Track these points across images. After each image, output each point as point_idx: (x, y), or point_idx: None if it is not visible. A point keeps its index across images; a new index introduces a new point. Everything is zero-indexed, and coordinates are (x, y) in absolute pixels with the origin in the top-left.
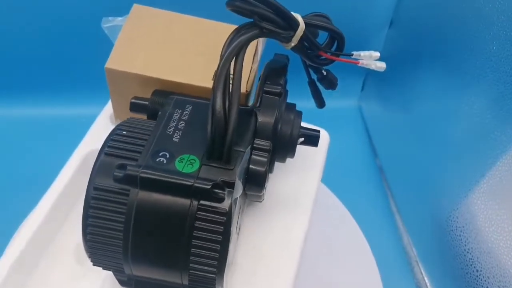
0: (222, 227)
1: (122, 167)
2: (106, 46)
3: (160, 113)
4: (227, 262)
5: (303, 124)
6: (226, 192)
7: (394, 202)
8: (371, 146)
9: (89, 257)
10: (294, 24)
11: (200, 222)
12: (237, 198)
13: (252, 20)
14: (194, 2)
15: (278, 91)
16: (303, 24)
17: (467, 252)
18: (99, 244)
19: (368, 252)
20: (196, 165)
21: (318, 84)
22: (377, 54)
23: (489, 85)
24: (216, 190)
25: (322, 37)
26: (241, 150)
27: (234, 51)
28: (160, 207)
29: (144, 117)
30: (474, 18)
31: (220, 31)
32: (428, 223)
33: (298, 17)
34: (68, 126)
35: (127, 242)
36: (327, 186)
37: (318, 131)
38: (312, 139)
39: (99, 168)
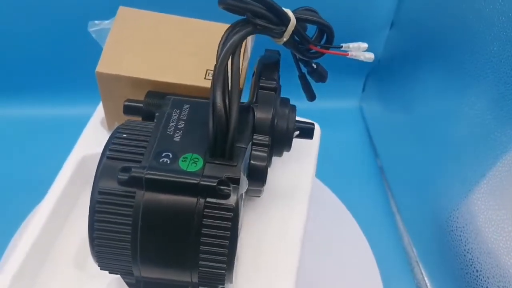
0: (230, 223)
1: (126, 169)
2: None
3: (157, 114)
4: (236, 256)
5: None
6: (231, 188)
7: (394, 202)
8: (372, 147)
9: (97, 261)
10: (286, 20)
11: (208, 220)
12: (242, 193)
13: (244, 17)
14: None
15: (274, 86)
16: (294, 19)
17: (467, 252)
18: (107, 248)
19: (368, 252)
20: (200, 163)
21: (308, 77)
22: (365, 45)
23: (490, 85)
24: (222, 187)
25: (309, 31)
26: (243, 146)
27: (230, 49)
28: (167, 207)
29: (138, 119)
30: (475, 19)
31: (209, 30)
32: (429, 223)
33: (289, 12)
34: (69, 126)
35: (136, 244)
36: (328, 186)
37: (313, 124)
38: (307, 132)
39: (102, 172)
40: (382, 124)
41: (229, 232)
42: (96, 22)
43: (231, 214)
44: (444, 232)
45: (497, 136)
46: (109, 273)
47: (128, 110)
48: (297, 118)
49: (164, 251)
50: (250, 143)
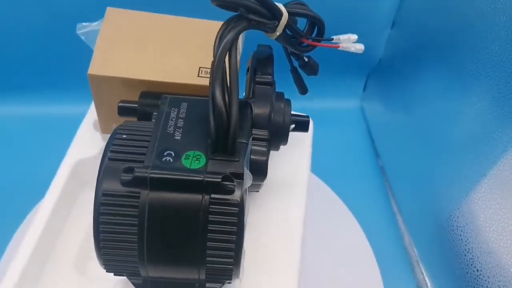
0: (236, 218)
1: (129, 170)
2: None
3: (156, 113)
4: (243, 251)
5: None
6: (235, 184)
7: (395, 202)
8: (373, 146)
9: (103, 264)
10: (278, 14)
11: (214, 216)
12: (247, 188)
13: (237, 13)
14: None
15: (270, 80)
16: (286, 13)
17: (468, 252)
18: (113, 249)
19: (369, 252)
20: (203, 160)
21: (300, 71)
22: (355, 36)
23: (490, 85)
24: (226, 183)
25: (299, 26)
26: (244, 141)
27: (227, 46)
28: (173, 205)
29: (133, 120)
30: (476, 19)
31: (198, 27)
32: (429, 223)
33: (281, 7)
34: (64, 124)
35: (142, 244)
36: (329, 185)
37: (308, 117)
38: (303, 125)
39: (105, 174)
40: (383, 123)
41: (236, 227)
42: (84, 24)
43: (237, 209)
44: (445, 231)
45: (497, 135)
46: (114, 275)
47: (122, 111)
48: (292, 112)
49: (172, 249)
50: (251, 138)
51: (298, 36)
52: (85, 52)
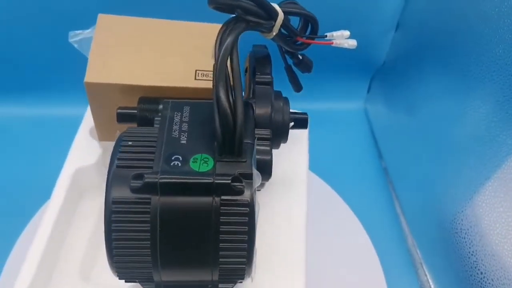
0: (247, 218)
1: (138, 176)
2: None
3: (158, 118)
4: (254, 250)
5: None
6: (244, 184)
7: (398, 204)
8: (376, 148)
9: (116, 271)
10: (274, 14)
11: (225, 217)
12: (256, 188)
13: (234, 15)
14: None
15: (269, 80)
16: (282, 13)
17: (472, 255)
18: (126, 256)
19: (372, 254)
20: (211, 162)
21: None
22: (347, 33)
23: (495, 88)
24: (235, 184)
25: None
26: (249, 142)
27: (228, 49)
28: (184, 209)
29: (132, 126)
30: (480, 22)
31: (192, 30)
32: (433, 225)
33: (276, 7)
34: (76, 126)
35: (155, 249)
36: (332, 187)
37: (306, 114)
38: (301, 122)
39: (113, 181)
40: (387, 125)
41: (247, 227)
42: (77, 32)
43: (247, 209)
44: (449, 234)
45: (502, 138)
46: (126, 281)
47: (121, 117)
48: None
49: (185, 252)
50: (256, 138)
51: (293, 35)
52: (77, 53)
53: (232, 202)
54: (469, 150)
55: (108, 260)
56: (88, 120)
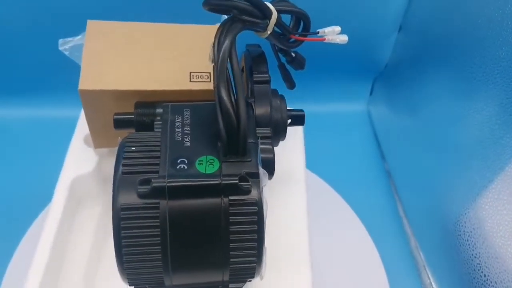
0: (256, 217)
1: (145, 182)
2: None
3: (159, 122)
4: (264, 248)
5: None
6: (251, 183)
7: (401, 206)
8: (379, 150)
9: (126, 278)
10: (269, 13)
11: (234, 217)
12: (263, 186)
13: (230, 16)
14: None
15: (267, 79)
16: (276, 12)
17: (475, 257)
18: (137, 263)
19: (375, 256)
20: (216, 163)
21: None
22: (338, 28)
23: (498, 90)
24: (242, 183)
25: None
26: (253, 141)
27: (227, 50)
28: (193, 212)
29: (126, 132)
30: (484, 24)
31: (183, 32)
32: (436, 227)
33: (270, 5)
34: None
35: (166, 253)
36: (335, 190)
37: (302, 110)
38: (298, 119)
39: (120, 188)
40: (390, 128)
41: (256, 226)
42: (67, 39)
43: (256, 208)
44: (452, 236)
45: (505, 141)
46: None
47: (119, 124)
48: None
49: (196, 255)
50: (259, 137)
51: (287, 33)
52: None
53: (241, 202)
54: (472, 152)
55: (118, 267)
56: (81, 128)
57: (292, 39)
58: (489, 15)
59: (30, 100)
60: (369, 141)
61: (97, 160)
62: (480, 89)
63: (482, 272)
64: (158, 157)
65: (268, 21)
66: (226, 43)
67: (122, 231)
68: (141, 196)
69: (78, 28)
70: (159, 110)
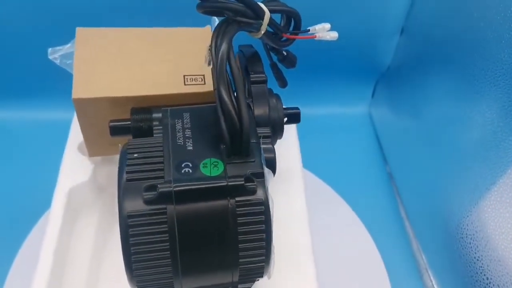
0: (263, 216)
1: (151, 188)
2: None
3: (159, 127)
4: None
5: None
6: (256, 183)
7: (403, 209)
8: (381, 153)
9: (136, 285)
10: (262, 13)
11: (242, 218)
12: (268, 186)
13: (224, 18)
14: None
15: (264, 79)
16: (268, 11)
17: (477, 260)
18: (147, 269)
19: (377, 259)
20: (221, 166)
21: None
22: (328, 25)
23: (500, 93)
24: (248, 184)
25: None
26: (255, 141)
27: (225, 53)
28: (201, 215)
29: (124, 138)
30: (486, 27)
31: (173, 36)
32: (438, 230)
33: (262, 6)
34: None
35: (176, 258)
36: (337, 192)
37: (298, 108)
38: (294, 117)
39: (126, 195)
40: (391, 130)
41: (264, 225)
42: (56, 48)
43: (262, 207)
44: (454, 239)
45: (507, 143)
46: None
47: (115, 131)
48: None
49: (205, 258)
50: (261, 137)
51: (279, 32)
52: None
53: (247, 203)
54: (474, 155)
55: (127, 275)
56: (74, 137)
57: (284, 38)
58: (491, 18)
59: (30, 102)
60: (371, 143)
61: (93, 168)
62: (482, 91)
63: (484, 274)
64: (162, 163)
65: (261, 21)
66: (224, 45)
67: (131, 239)
68: (148, 202)
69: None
70: (156, 115)
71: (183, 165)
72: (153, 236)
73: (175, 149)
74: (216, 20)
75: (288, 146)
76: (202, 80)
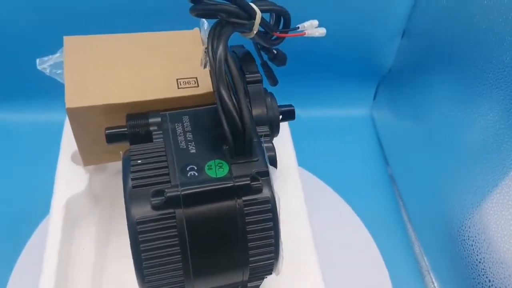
0: (270, 214)
1: (158, 193)
2: None
3: (158, 132)
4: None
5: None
6: (262, 182)
7: (405, 211)
8: (383, 155)
9: None
10: (254, 13)
11: (250, 217)
12: (273, 183)
13: (218, 19)
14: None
15: (259, 78)
16: (259, 11)
17: (479, 262)
18: (158, 274)
19: (379, 261)
20: (226, 166)
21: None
22: (316, 22)
23: (502, 95)
24: (254, 183)
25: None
26: (257, 140)
27: (222, 54)
28: (210, 217)
29: (117, 147)
30: (488, 29)
31: (162, 40)
32: (440, 232)
33: (254, 6)
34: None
35: (187, 261)
36: (338, 194)
37: (292, 105)
38: (289, 114)
39: (133, 202)
40: (393, 132)
41: (272, 222)
42: (45, 58)
43: (269, 205)
44: (456, 241)
45: (509, 145)
46: None
47: (111, 138)
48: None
49: (216, 259)
50: (262, 136)
51: (270, 31)
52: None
53: (254, 201)
54: (476, 157)
55: (139, 281)
56: (66, 147)
57: (274, 37)
58: (493, 20)
59: (30, 103)
60: (372, 146)
61: (88, 177)
62: (484, 93)
63: (486, 277)
64: (166, 167)
65: (253, 21)
66: (221, 47)
67: (141, 245)
68: (156, 207)
69: (81, 28)
70: (152, 120)
71: (188, 168)
72: (163, 241)
73: (179, 153)
74: (205, 22)
75: (282, 143)
76: (195, 82)
